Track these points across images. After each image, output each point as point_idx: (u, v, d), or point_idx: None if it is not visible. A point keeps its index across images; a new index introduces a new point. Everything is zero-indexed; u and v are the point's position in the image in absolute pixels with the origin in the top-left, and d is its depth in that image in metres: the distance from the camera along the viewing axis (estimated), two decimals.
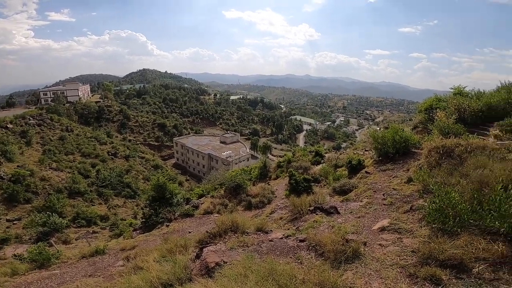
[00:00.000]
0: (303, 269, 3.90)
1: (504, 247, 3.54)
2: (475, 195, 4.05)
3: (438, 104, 12.30)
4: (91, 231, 23.15)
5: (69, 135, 52.04)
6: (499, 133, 8.59)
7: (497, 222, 3.70)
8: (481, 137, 8.43)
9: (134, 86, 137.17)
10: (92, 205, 33.98)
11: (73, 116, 67.39)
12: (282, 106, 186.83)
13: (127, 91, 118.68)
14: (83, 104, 77.44)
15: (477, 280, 3.27)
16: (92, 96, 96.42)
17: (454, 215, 3.98)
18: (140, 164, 55.12)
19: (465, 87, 13.53)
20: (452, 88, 13.91)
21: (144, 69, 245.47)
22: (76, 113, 71.89)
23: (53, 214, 21.02)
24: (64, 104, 70.95)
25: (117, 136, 70.11)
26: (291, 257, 4.64)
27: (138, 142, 71.10)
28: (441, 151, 7.14)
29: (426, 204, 4.79)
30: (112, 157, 51.87)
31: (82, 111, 74.00)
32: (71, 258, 10.73)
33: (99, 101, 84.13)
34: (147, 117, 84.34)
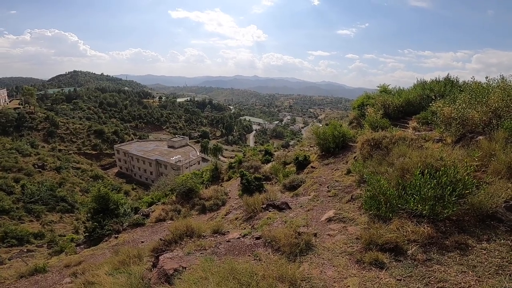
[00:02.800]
0: (262, 265, 4.07)
1: (429, 228, 4.00)
2: (400, 181, 4.71)
3: (368, 101, 13.68)
4: (25, 250, 20.59)
5: None
6: (417, 125, 10.04)
7: (419, 205, 4.18)
8: (402, 129, 9.77)
9: (62, 89, 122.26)
10: (22, 223, 30.09)
11: None
12: (231, 107, 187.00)
13: (54, 95, 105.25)
14: None
15: (413, 261, 3.61)
16: (9, 102, 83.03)
17: (385, 201, 4.53)
18: (75, 176, 49.70)
19: (389, 85, 15.32)
20: (378, 86, 15.66)
21: (75, 71, 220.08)
22: None
23: None
24: None
25: (43, 146, 61.91)
26: (249, 255, 4.80)
27: (71, 152, 63.75)
28: (372, 144, 8.06)
29: (362, 193, 5.42)
30: (40, 169, 45.74)
31: None
32: (8, 279, 9.58)
33: (18, 108, 72.95)
34: (81, 124, 76.15)
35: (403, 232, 4.08)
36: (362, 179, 6.62)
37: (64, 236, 24.21)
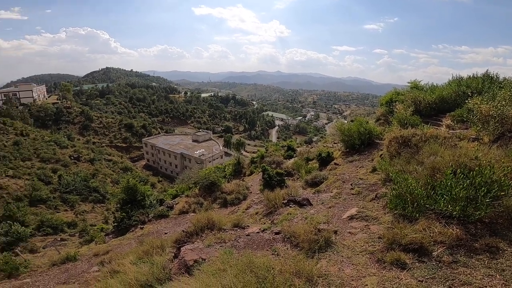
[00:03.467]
0: (280, 260, 4.06)
1: (458, 230, 3.81)
2: (429, 181, 4.45)
3: (397, 98, 13.16)
4: (59, 239, 21.94)
5: (24, 139, 47.97)
6: (451, 123, 9.46)
7: (449, 206, 3.97)
8: (435, 127, 9.24)
9: (96, 85, 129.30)
10: (57, 212, 31.88)
11: (28, 119, 62.19)
12: (254, 102, 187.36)
13: (89, 91, 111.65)
14: (38, 106, 71.60)
15: (438, 263, 3.49)
16: (48, 97, 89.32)
17: (412, 200, 4.32)
18: (107, 167, 52.44)
19: (420, 81, 14.58)
20: (409, 82, 14.96)
21: (107, 68, 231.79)
22: (31, 116, 66.47)
23: (15, 223, 19.85)
24: (17, 107, 65.20)
25: (79, 139, 65.98)
26: (267, 250, 4.81)
27: (103, 144, 67.45)
28: (400, 141, 7.71)
29: (388, 191, 5.20)
30: (75, 161, 48.75)
31: (38, 113, 68.54)
32: (41, 267, 10.37)
33: (57, 102, 78.30)
34: (113, 118, 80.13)
35: (430, 232, 3.90)
36: (388, 178, 6.36)
37: (95, 225, 25.33)
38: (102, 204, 37.55)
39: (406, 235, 3.87)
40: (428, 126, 8.84)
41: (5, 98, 68.69)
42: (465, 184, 3.93)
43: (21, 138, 47.44)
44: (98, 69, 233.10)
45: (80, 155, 51.23)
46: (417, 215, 4.22)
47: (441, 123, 9.97)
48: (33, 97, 75.23)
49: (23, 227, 19.73)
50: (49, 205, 32.72)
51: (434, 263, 3.51)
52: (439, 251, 3.66)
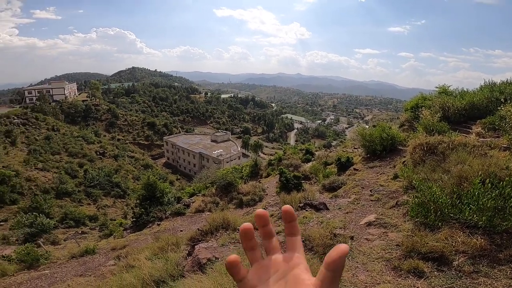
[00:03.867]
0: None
1: (482, 240, 3.64)
2: (455, 190, 4.23)
3: (424, 103, 12.65)
4: (80, 232, 22.62)
5: (55, 134, 50.81)
6: (481, 130, 8.94)
7: (475, 216, 3.80)
8: (464, 134, 8.76)
9: (122, 84, 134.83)
10: (81, 206, 33.26)
11: (59, 115, 65.80)
12: (273, 104, 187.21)
13: (116, 89, 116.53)
14: (69, 103, 75.64)
15: (457, 272, 3.35)
16: (79, 94, 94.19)
17: (435, 209, 4.14)
18: (129, 164, 54.37)
19: (449, 86, 13.94)
20: (437, 87, 14.33)
21: (133, 68, 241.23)
22: (62, 112, 70.24)
23: (40, 214, 20.45)
24: (49, 103, 69.11)
25: (105, 135, 68.84)
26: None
27: (127, 141, 70.00)
28: (425, 148, 7.40)
29: (410, 199, 4.98)
30: (100, 156, 50.97)
31: (69, 110, 72.32)
32: (60, 259, 10.62)
33: (86, 100, 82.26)
34: (137, 116, 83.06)
35: (452, 242, 3.74)
36: (411, 185, 6.10)
37: (114, 220, 25.96)
38: (123, 199, 38.83)
39: (427, 243, 3.73)
40: (457, 133, 8.42)
41: (39, 95, 73.12)
42: (493, 194, 3.73)
43: (52, 133, 50.28)
44: (124, 69, 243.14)
45: (105, 151, 53.46)
46: (439, 224, 4.03)
47: (470, 130, 9.47)
48: (64, 94, 79.60)
49: (47, 219, 20.21)
50: (73, 198, 34.14)
51: (453, 273, 3.38)
52: (460, 260, 3.52)
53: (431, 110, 10.93)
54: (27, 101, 71.54)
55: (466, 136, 8.26)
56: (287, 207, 0.54)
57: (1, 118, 46.93)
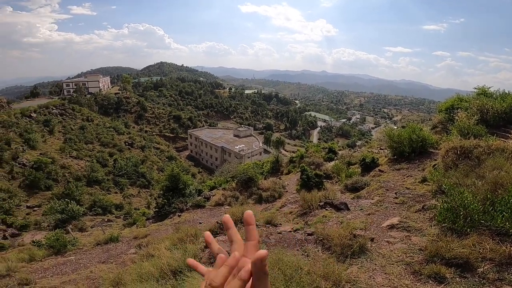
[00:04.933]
0: (309, 261, 3.96)
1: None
2: (488, 196, 3.95)
3: (460, 104, 11.92)
4: (106, 220, 23.50)
5: (89, 124, 53.88)
6: None
7: (507, 223, 3.60)
8: (502, 139, 8.12)
9: (151, 78, 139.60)
10: (108, 194, 34.88)
11: (93, 107, 69.64)
12: (297, 101, 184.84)
13: (145, 83, 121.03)
14: (103, 95, 79.84)
15: (481, 279, 3.22)
16: (111, 87, 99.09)
17: (465, 215, 3.91)
18: (155, 155, 56.42)
19: (489, 88, 13.00)
20: (475, 88, 13.41)
21: (161, 62, 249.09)
22: (97, 104, 74.22)
23: (72, 201, 21.42)
24: (85, 95, 73.39)
25: (134, 127, 71.89)
26: (298, 250, 4.72)
27: (153, 133, 72.64)
28: (458, 152, 6.96)
29: (438, 203, 4.72)
30: (129, 147, 53.29)
31: (102, 102, 76.32)
32: (86, 245, 11.02)
33: (118, 93, 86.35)
34: (163, 109, 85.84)
35: (480, 249, 3.54)
36: (440, 190, 5.77)
37: (138, 209, 26.81)
38: (147, 190, 40.37)
39: (452, 249, 3.55)
40: (494, 137, 7.83)
41: (75, 87, 77.94)
42: None
43: (86, 123, 53.41)
44: (153, 63, 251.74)
45: (134, 141, 55.89)
46: (468, 230, 3.81)
47: (510, 135, 8.76)
48: (99, 87, 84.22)
49: (78, 206, 21.10)
50: (103, 187, 35.82)
51: (476, 279, 3.22)
52: (485, 267, 3.34)
53: (468, 112, 10.29)
54: (65, 93, 76.54)
55: (505, 141, 7.67)
56: (249, 212, 0.59)
57: (41, 108, 50.44)
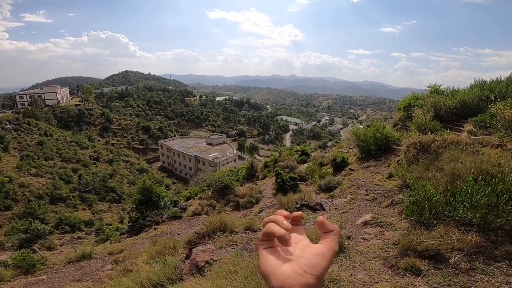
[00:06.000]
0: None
1: (477, 237, 3.69)
2: (448, 187, 4.30)
3: (416, 102, 12.82)
4: (75, 237, 22.43)
5: (48, 139, 50.17)
6: (473, 128, 9.10)
7: (469, 213, 3.85)
8: (456, 132, 8.91)
9: (116, 88, 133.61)
10: (76, 211, 33.05)
11: (51, 120, 64.97)
12: (268, 106, 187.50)
13: (109, 93, 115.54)
14: (62, 107, 74.77)
15: (454, 270, 3.39)
16: (71, 99, 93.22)
17: (430, 207, 4.18)
18: (124, 168, 53.90)
19: (441, 85, 14.16)
20: (429, 87, 14.53)
21: (126, 71, 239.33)
22: (55, 117, 69.38)
23: (35, 220, 20.37)
24: (42, 108, 68.40)
25: (99, 140, 68.22)
26: None
27: (121, 146, 69.40)
28: (418, 147, 7.49)
29: (404, 198, 5.05)
30: (95, 161, 50.41)
31: (61, 114, 71.46)
32: (57, 264, 10.57)
33: (79, 104, 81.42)
34: (131, 120, 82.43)
35: (447, 239, 3.78)
36: (405, 184, 6.17)
37: (111, 225, 25.91)
38: (119, 204, 38.55)
39: (422, 241, 3.77)
40: (449, 131, 8.55)
41: (30, 99, 72.20)
42: (486, 191, 3.79)
43: (45, 138, 49.64)
44: (117, 72, 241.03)
45: (100, 155, 52.93)
46: (434, 222, 4.09)
47: (462, 128, 9.63)
48: (57, 98, 78.71)
49: (42, 225, 20.14)
50: (68, 204, 33.96)
51: (450, 270, 3.41)
52: (456, 258, 3.56)
53: (423, 109, 11.08)
54: (19, 106, 70.61)
55: (458, 134, 8.40)
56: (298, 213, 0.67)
57: None
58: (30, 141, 47.40)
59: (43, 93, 78.50)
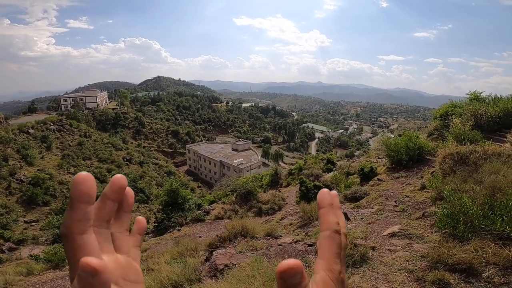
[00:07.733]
0: (311, 272, 3.90)
1: None
2: (487, 200, 3.97)
3: (454, 110, 12.09)
4: None
5: (87, 140, 53.75)
6: None
7: (507, 227, 3.61)
8: (498, 143, 8.21)
9: (149, 93, 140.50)
10: None
11: (91, 122, 69.70)
12: (294, 113, 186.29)
13: (143, 98, 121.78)
14: (100, 110, 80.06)
15: (486, 284, 3.18)
16: (109, 103, 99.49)
17: (465, 220, 3.91)
18: (153, 170, 56.11)
19: (481, 92, 13.25)
20: (468, 94, 13.65)
21: (158, 77, 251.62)
22: (94, 119, 74.33)
23: None
24: (83, 111, 73.59)
25: (132, 142, 71.81)
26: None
27: (152, 149, 72.47)
28: (455, 158, 7.01)
29: (438, 210, 4.71)
30: (127, 162, 53.04)
31: (100, 117, 76.47)
32: None
33: (116, 108, 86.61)
34: (161, 124, 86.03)
35: (482, 253, 3.51)
36: (439, 197, 5.77)
37: None
38: (146, 205, 40.03)
39: (455, 254, 3.52)
40: (490, 142, 7.91)
41: (73, 102, 78.21)
42: None
43: (84, 139, 53.30)
44: (151, 78, 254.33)
45: (132, 157, 55.66)
46: (469, 235, 3.79)
47: (505, 139, 8.87)
48: (96, 102, 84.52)
49: None
50: None
51: (482, 284, 3.17)
52: (490, 272, 3.30)
53: (462, 118, 10.42)
54: (63, 108, 76.68)
55: (500, 145, 7.75)
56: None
57: (38, 124, 50.38)
58: (71, 141, 51.12)
59: (85, 97, 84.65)
